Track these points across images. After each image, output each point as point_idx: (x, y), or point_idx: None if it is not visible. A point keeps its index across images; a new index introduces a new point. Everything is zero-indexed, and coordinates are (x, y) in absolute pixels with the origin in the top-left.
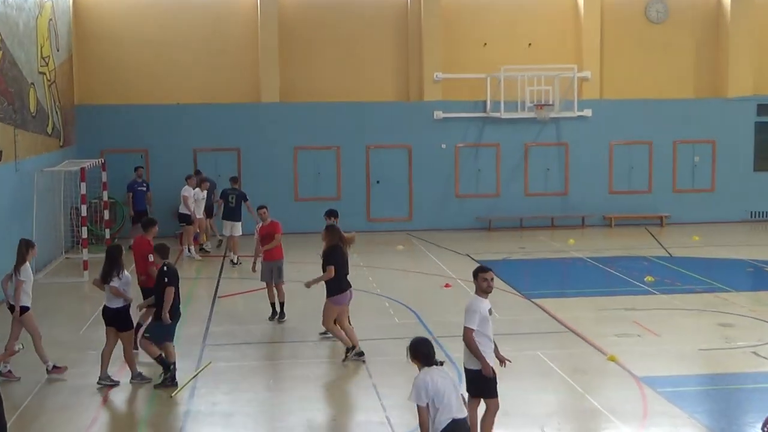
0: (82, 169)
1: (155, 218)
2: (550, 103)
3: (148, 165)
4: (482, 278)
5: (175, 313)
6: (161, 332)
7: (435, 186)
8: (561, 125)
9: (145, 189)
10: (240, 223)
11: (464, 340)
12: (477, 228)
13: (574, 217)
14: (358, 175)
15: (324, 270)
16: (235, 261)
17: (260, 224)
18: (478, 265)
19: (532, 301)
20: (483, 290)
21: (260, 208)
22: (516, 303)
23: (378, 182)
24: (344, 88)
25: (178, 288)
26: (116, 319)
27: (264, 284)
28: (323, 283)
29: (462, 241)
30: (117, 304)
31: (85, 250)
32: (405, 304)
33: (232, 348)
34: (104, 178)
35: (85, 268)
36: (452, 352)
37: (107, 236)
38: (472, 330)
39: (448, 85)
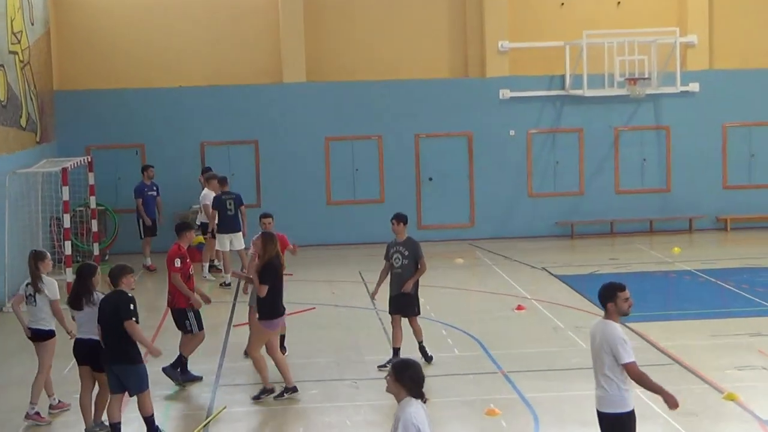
0: (64, 169)
1: (190, 222)
2: (646, 76)
3: (144, 162)
4: (622, 298)
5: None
6: (142, 379)
7: (502, 184)
8: (660, 104)
9: (155, 194)
10: (241, 233)
11: (635, 379)
12: (556, 235)
13: (678, 219)
14: (406, 172)
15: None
16: (228, 281)
17: (257, 236)
18: (610, 282)
19: (627, 326)
20: (622, 313)
21: (265, 216)
22: None
23: (431, 180)
24: (386, 64)
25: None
26: (92, 355)
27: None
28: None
29: (537, 252)
30: (92, 333)
31: (69, 270)
32: (466, 331)
33: (251, 389)
34: (91, 181)
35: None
36: (528, 391)
37: (96, 252)
38: (635, 363)
39: (516, 56)
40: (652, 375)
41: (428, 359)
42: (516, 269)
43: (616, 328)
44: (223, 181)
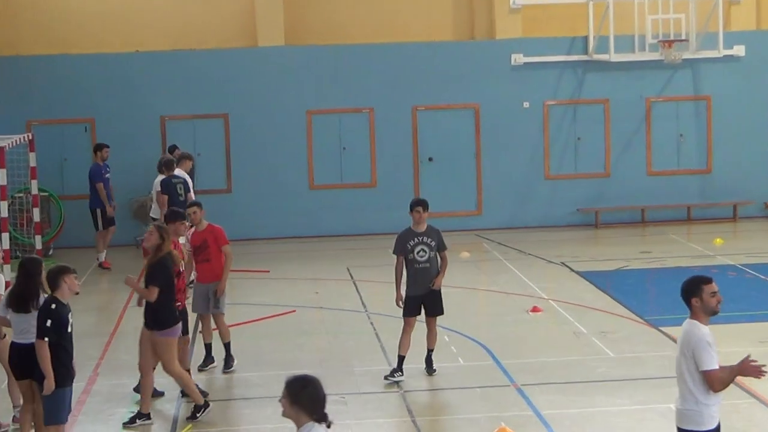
0: (1, 149)
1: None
2: (683, 38)
3: (94, 140)
4: (708, 292)
5: (66, 377)
6: (59, 406)
7: (515, 164)
8: (700, 70)
9: (109, 176)
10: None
11: (716, 387)
12: (577, 224)
13: (721, 205)
14: (402, 151)
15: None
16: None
17: (191, 230)
18: (694, 275)
19: (661, 331)
20: (710, 311)
21: (190, 205)
22: (637, 333)
23: (431, 160)
24: (379, 24)
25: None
26: (34, 365)
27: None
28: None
29: (556, 244)
30: (32, 338)
31: (7, 267)
32: (473, 337)
33: (220, 407)
34: (32, 162)
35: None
36: (545, 407)
37: (38, 245)
38: (718, 373)
39: (530, 15)
40: None
41: (431, 370)
42: (531, 264)
43: (701, 328)
44: (170, 163)
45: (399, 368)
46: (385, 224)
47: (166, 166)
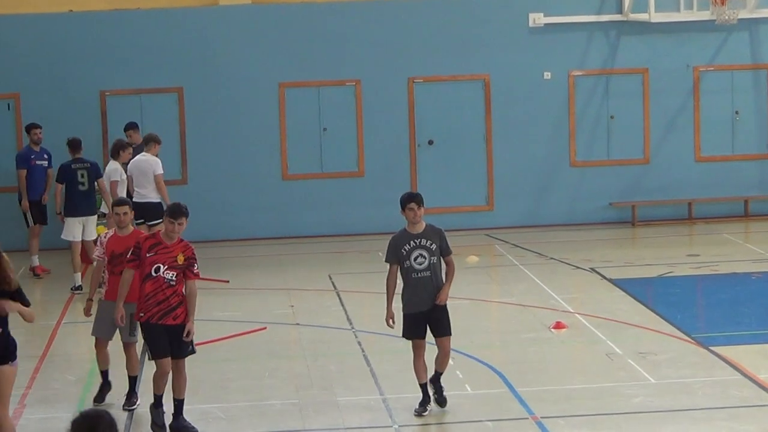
0: None
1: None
2: None
3: (19, 120)
4: None
5: None
6: None
7: (533, 148)
8: (759, 33)
9: (46, 164)
10: (96, 216)
11: None
12: (610, 222)
13: None
14: (395, 132)
15: None
16: (78, 284)
17: (109, 233)
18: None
19: (712, 351)
20: None
21: (120, 204)
22: (683, 354)
23: (431, 144)
24: None
25: None
26: None
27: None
28: None
29: (584, 246)
30: None
31: None
32: (483, 360)
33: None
34: None
35: None
36: None
37: None
38: None
39: None
40: (749, 419)
41: (442, 399)
42: (553, 270)
43: None
44: (76, 144)
45: (426, 398)
46: (374, 222)
47: (72, 147)
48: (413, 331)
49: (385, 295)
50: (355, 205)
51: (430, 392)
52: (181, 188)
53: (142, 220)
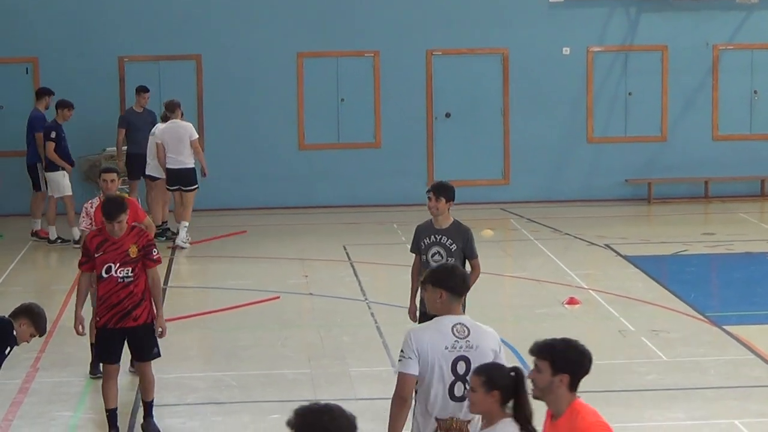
0: None
1: None
2: None
3: (37, 85)
4: None
5: None
6: None
7: (550, 124)
8: None
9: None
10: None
11: None
12: (626, 198)
13: None
14: (413, 104)
15: None
16: (78, 239)
17: (94, 202)
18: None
19: (725, 330)
20: None
21: (108, 171)
22: (696, 333)
23: (448, 116)
24: None
25: None
26: None
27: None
28: None
29: (599, 222)
30: None
31: None
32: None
33: (187, 413)
34: None
35: None
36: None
37: None
38: None
39: None
40: (765, 398)
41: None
42: (568, 246)
43: None
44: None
45: None
46: (390, 194)
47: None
48: None
49: (410, 287)
50: (371, 176)
51: None
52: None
53: (177, 187)
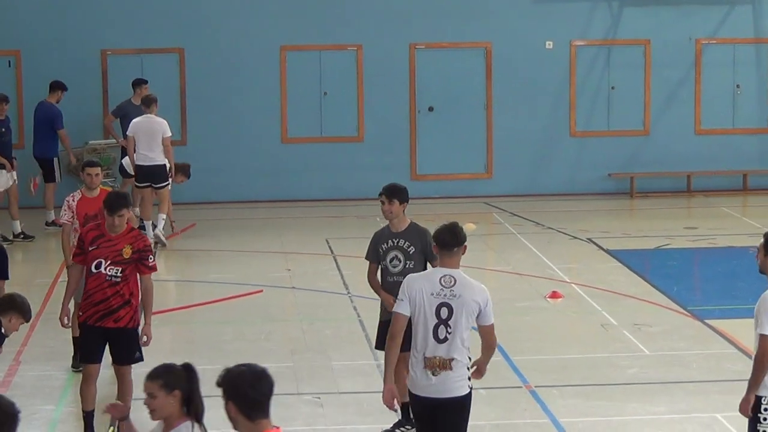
0: None
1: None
2: None
3: (20, 77)
4: None
5: None
6: None
7: (533, 118)
8: (763, 6)
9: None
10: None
11: (760, 356)
12: (609, 192)
13: None
14: (396, 98)
15: None
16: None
17: (76, 195)
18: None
19: (707, 324)
20: None
21: (92, 165)
22: (678, 327)
23: (431, 110)
24: None
25: None
26: None
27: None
28: None
29: (582, 216)
30: None
31: None
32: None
33: None
34: None
35: None
36: (564, 413)
37: None
38: None
39: None
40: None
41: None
42: (550, 240)
43: None
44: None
45: (404, 419)
46: (373, 188)
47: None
48: (383, 341)
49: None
50: (354, 169)
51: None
52: (180, 149)
53: (147, 184)
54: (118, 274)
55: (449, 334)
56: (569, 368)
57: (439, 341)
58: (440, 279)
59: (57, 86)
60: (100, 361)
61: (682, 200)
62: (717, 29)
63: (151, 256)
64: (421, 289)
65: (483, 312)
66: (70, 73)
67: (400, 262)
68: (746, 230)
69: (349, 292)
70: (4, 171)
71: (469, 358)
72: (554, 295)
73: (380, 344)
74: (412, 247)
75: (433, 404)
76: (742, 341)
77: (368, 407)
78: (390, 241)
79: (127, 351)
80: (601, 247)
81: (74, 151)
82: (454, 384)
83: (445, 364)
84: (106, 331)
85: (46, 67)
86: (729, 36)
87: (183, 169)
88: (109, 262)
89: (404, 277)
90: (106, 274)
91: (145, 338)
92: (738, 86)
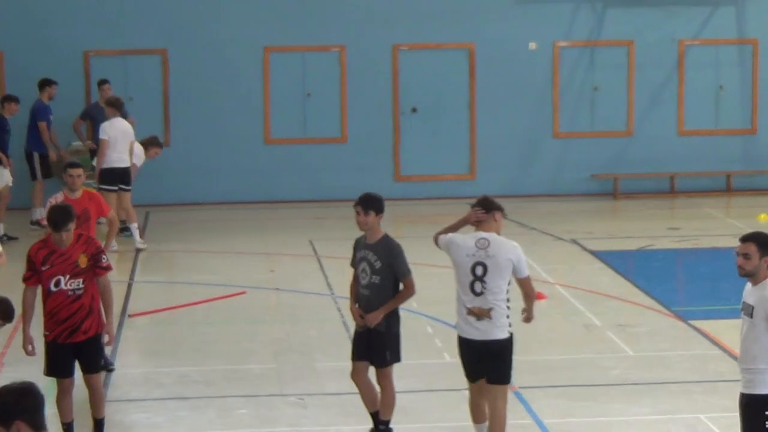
0: None
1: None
2: None
3: (3, 78)
4: None
5: None
6: None
7: (517, 118)
8: (745, 7)
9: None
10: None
11: None
12: (592, 193)
13: (767, 173)
14: (379, 99)
15: None
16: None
17: (58, 196)
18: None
19: (691, 325)
20: None
21: (74, 166)
22: (662, 328)
23: (414, 111)
24: None
25: None
26: None
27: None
28: None
29: (565, 217)
30: None
31: None
32: None
33: (153, 407)
34: None
35: None
36: (548, 414)
37: None
38: None
39: None
40: (726, 394)
41: None
42: (534, 241)
43: None
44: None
45: (375, 429)
46: (356, 189)
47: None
48: (355, 350)
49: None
50: (338, 170)
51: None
52: (164, 150)
53: (118, 186)
54: (80, 286)
55: (485, 289)
56: (553, 369)
57: (476, 294)
58: (476, 242)
59: (44, 83)
60: (72, 374)
61: (666, 201)
62: (700, 30)
63: (104, 257)
64: (458, 249)
65: (516, 267)
66: (53, 74)
67: (367, 275)
68: (730, 231)
69: (333, 293)
70: (4, 170)
71: (508, 307)
72: (538, 296)
73: (356, 356)
74: (378, 261)
75: (478, 346)
76: (726, 342)
77: (352, 408)
78: (363, 251)
79: (95, 359)
80: (584, 248)
81: (62, 151)
82: (494, 329)
83: (484, 313)
84: (75, 345)
85: (30, 69)
86: (712, 37)
87: (153, 142)
88: (68, 276)
89: (369, 291)
90: (68, 289)
91: (107, 338)
92: (721, 87)
